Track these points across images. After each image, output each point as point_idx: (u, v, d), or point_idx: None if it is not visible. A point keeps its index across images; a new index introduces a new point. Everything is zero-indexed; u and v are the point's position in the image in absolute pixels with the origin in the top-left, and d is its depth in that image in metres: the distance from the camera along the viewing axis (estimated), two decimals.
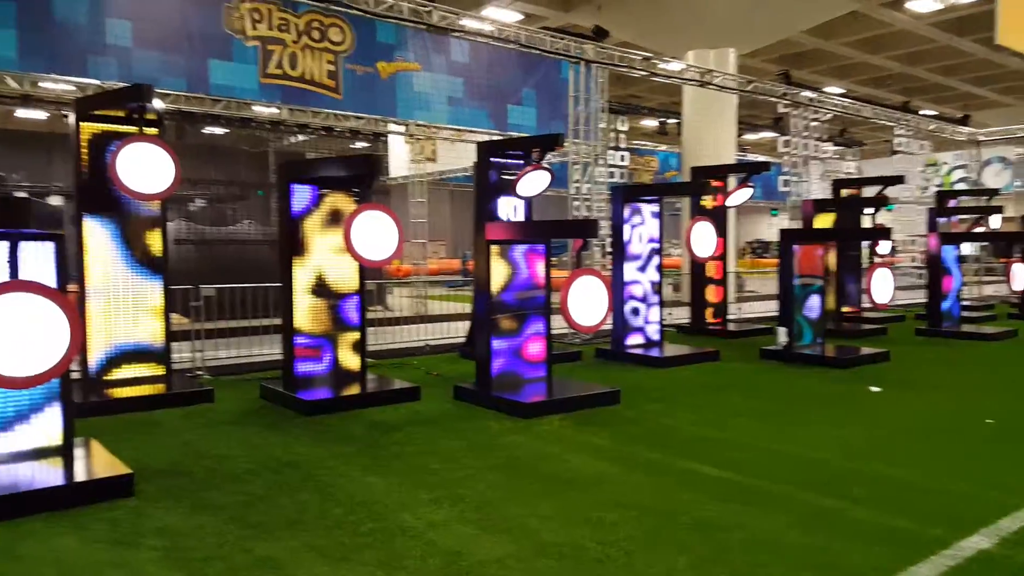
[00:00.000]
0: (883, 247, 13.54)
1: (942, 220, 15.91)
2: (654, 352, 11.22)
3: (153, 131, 8.70)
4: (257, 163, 26.10)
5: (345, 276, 8.87)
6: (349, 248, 7.78)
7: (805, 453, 6.52)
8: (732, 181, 14.48)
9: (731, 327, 14.59)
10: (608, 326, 11.88)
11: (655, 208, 11.58)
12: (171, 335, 9.06)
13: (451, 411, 8.08)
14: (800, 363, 11.00)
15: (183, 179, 17.86)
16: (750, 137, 38.16)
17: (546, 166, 10.89)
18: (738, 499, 5.33)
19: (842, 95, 27.94)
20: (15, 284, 4.79)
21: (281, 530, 4.77)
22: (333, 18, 15.48)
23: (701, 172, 14.43)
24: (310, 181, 8.60)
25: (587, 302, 7.81)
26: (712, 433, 7.20)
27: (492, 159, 11.13)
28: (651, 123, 31.60)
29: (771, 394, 9.10)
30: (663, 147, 30.84)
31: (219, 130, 25.35)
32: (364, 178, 8.50)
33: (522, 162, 11.12)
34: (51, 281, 5.27)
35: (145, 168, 7.94)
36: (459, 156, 24.05)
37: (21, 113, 24.36)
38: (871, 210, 16.22)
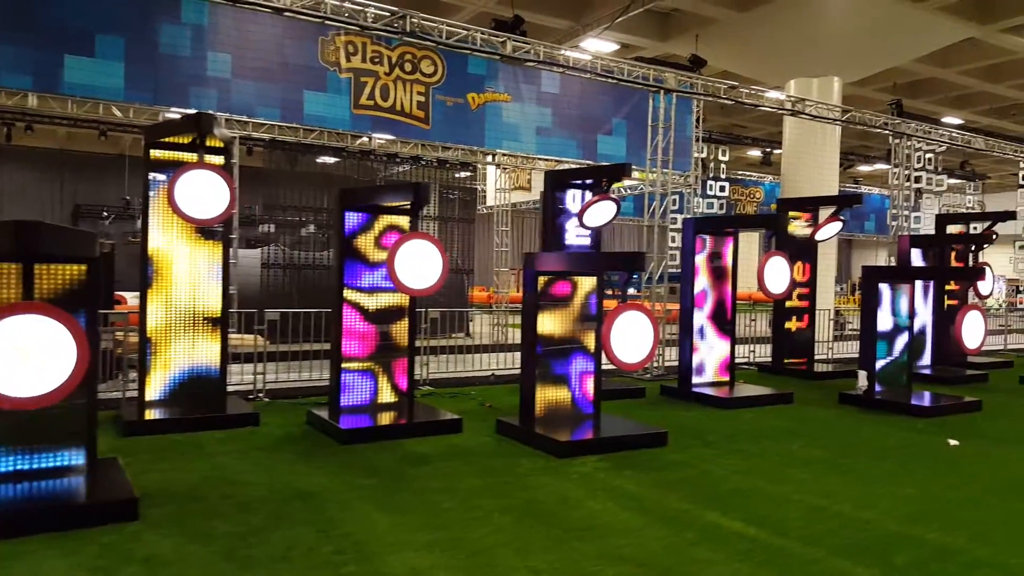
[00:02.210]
0: (985, 287, 12.51)
1: None
2: (720, 392, 10.67)
3: (218, 159, 8.93)
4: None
5: (394, 303, 8.83)
6: (392, 277, 7.72)
7: (853, 512, 5.96)
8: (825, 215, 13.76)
9: (820, 368, 13.80)
10: (674, 362, 11.47)
11: (729, 240, 11.10)
12: (227, 357, 9.21)
13: (489, 446, 7.86)
14: (880, 410, 10.24)
15: (300, 206, 18.48)
16: (864, 169, 36.55)
17: (613, 196, 10.64)
18: (756, 561, 4.90)
19: (960, 126, 26.43)
20: (22, 306, 4.89)
21: (264, 566, 4.66)
22: (425, 51, 15.68)
23: (788, 204, 13.79)
24: (364, 208, 8.63)
25: (632, 338, 7.46)
26: (757, 484, 6.71)
27: (558, 189, 10.97)
28: (756, 153, 30.69)
29: (838, 443, 8.46)
30: (769, 178, 29.87)
31: (331, 159, 26.27)
32: (413, 205, 8.44)
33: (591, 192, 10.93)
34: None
35: (203, 194, 8.12)
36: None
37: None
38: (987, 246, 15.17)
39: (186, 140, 8.78)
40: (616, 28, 19.22)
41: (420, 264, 7.83)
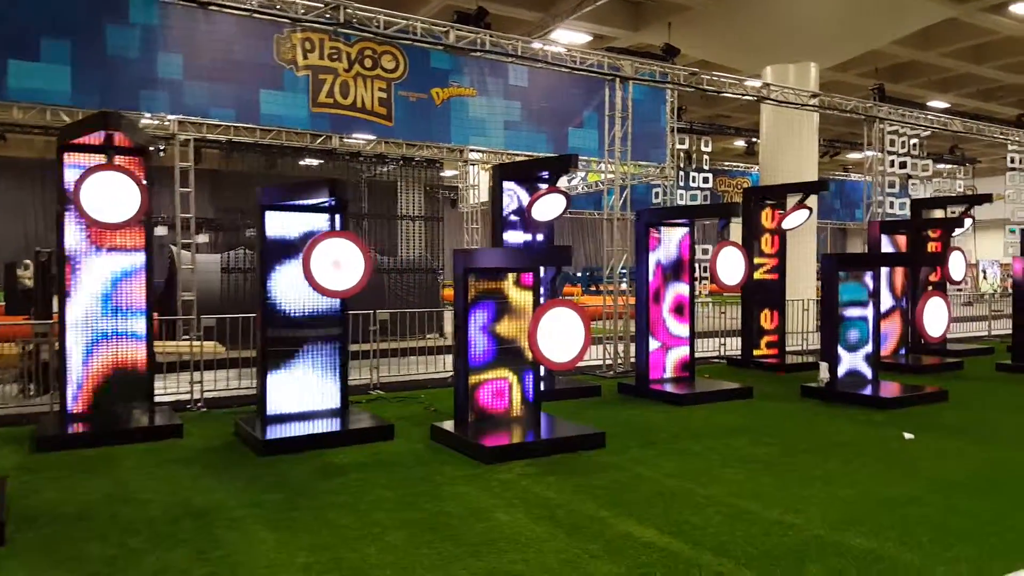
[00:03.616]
0: (956, 272, 12.08)
1: None
2: (679, 388, 10.28)
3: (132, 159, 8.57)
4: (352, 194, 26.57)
5: (325, 305, 8.47)
6: (308, 278, 7.36)
7: (779, 516, 5.58)
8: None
9: (792, 360, 13.40)
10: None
11: (684, 232, 10.70)
12: (154, 366, 8.86)
13: (417, 454, 7.48)
14: (842, 402, 9.85)
15: None
16: (854, 156, 36.07)
17: (563, 189, 10.27)
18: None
19: (946, 110, 25.96)
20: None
21: None
22: (386, 46, 15.32)
23: (755, 192, 13.39)
24: (285, 208, 8.27)
25: (561, 336, 7.09)
26: (688, 486, 6.33)
27: (506, 182, 10.59)
28: (742, 143, 30.27)
29: (789, 439, 8.07)
30: (756, 168, 29.42)
31: (315, 162, 25.98)
32: (333, 203, 8.07)
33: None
34: None
35: (113, 197, 7.75)
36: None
37: None
38: (960, 231, 14.77)
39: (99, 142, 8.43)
40: (587, 18, 18.83)
41: (340, 264, 7.49)
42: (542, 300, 8.23)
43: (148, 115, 13.50)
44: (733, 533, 5.23)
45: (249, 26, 13.83)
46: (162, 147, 17.53)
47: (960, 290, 29.59)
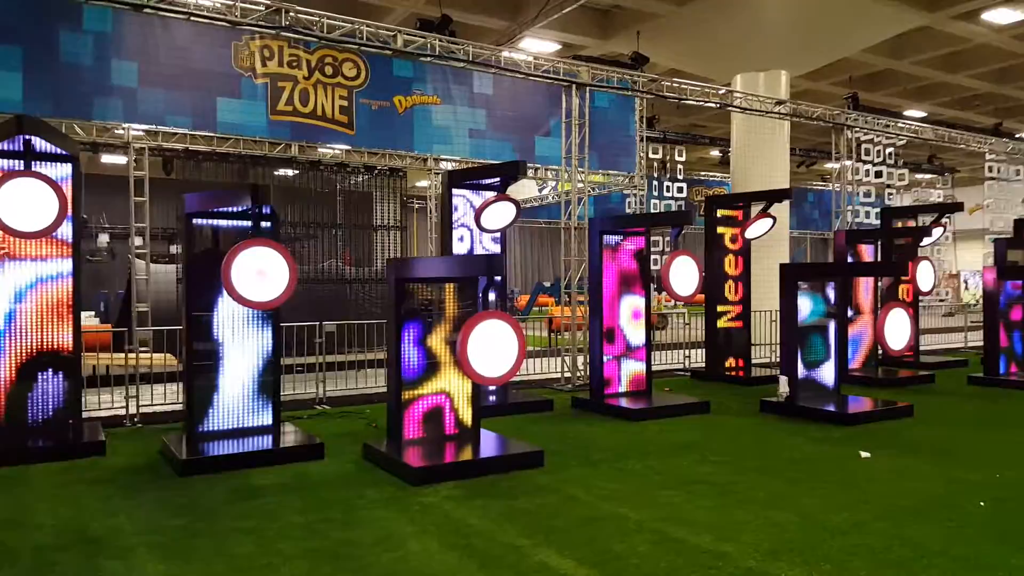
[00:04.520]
0: (925, 283, 11.80)
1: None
2: (634, 403, 9.93)
3: (64, 167, 8.19)
4: (327, 203, 26.15)
5: (250, 318, 8.10)
6: (228, 289, 7.00)
7: (710, 544, 5.23)
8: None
9: (758, 372, 13.09)
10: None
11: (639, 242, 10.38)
12: (80, 381, 8.45)
13: (344, 474, 7.11)
14: (801, 418, 9.52)
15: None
16: (832, 166, 35.91)
17: (512, 197, 9.95)
18: None
19: (923, 119, 25.79)
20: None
21: None
22: (347, 53, 15.00)
23: (715, 202, 13.10)
24: (210, 215, 7.90)
25: (494, 349, 6.73)
26: (620, 510, 5.97)
27: (455, 189, 10.27)
28: (716, 153, 30.07)
29: (738, 457, 7.72)
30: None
31: (290, 172, 25.62)
32: (254, 210, 7.68)
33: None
34: None
35: (31, 205, 7.37)
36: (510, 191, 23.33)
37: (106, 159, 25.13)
38: (929, 240, 14.52)
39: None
40: (554, 27, 18.55)
41: (264, 273, 7.13)
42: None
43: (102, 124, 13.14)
44: (657, 564, 4.88)
45: (206, 34, 13.49)
46: (91, 153, 17.11)
47: (942, 301, 29.43)
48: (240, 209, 7.78)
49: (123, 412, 9.55)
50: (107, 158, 24.92)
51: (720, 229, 12.92)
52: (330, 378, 10.94)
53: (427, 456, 7.11)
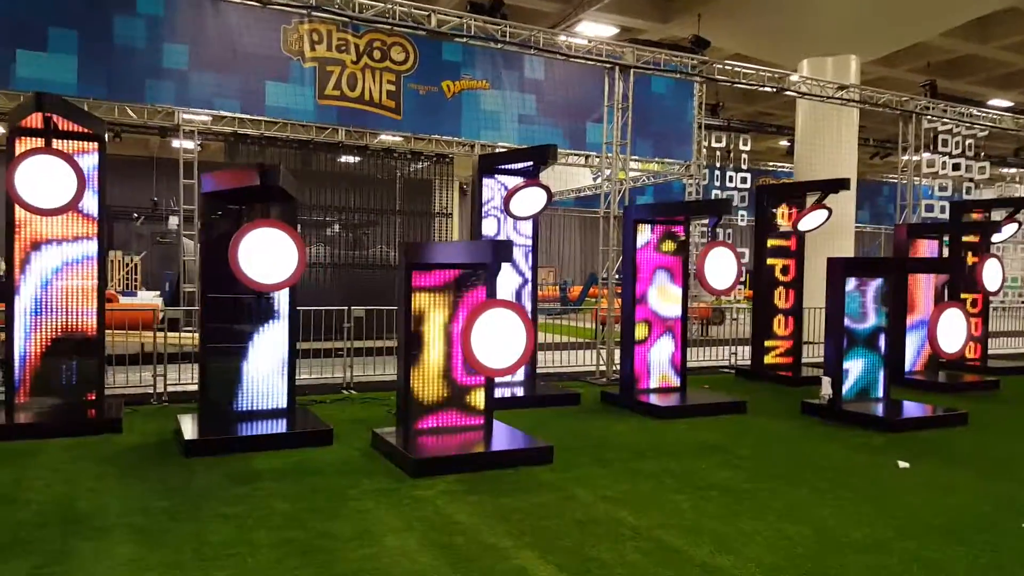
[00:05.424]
0: (992, 282, 11.02)
1: None
2: (666, 400, 9.53)
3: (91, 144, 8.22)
4: (388, 190, 26.26)
5: (270, 300, 8.00)
6: (236, 271, 6.89)
7: (708, 557, 4.85)
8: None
9: (808, 373, 12.46)
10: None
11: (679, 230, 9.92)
12: (103, 359, 8.49)
13: (347, 462, 6.94)
14: (844, 422, 8.97)
15: (327, 205, 17.41)
16: (902, 157, 34.27)
17: (543, 183, 9.63)
18: None
19: (1009, 109, 24.37)
20: None
21: None
22: (396, 37, 14.89)
23: (768, 191, 12.49)
24: (227, 196, 7.81)
25: (500, 340, 6.46)
26: (620, 514, 5.63)
27: (487, 175, 10.00)
28: (785, 143, 29.03)
29: (764, 462, 7.28)
30: None
31: (351, 159, 25.84)
32: (263, 191, 7.55)
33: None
34: None
35: (50, 182, 7.39)
36: (565, 179, 22.91)
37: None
38: (1000, 236, 13.65)
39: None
40: (612, 10, 18.09)
41: (272, 255, 7.01)
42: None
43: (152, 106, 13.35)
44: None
45: (255, 17, 13.57)
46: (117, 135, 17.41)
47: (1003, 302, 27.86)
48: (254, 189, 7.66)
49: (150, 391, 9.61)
50: (177, 143, 25.55)
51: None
52: (361, 363, 10.83)
53: (432, 447, 6.89)
